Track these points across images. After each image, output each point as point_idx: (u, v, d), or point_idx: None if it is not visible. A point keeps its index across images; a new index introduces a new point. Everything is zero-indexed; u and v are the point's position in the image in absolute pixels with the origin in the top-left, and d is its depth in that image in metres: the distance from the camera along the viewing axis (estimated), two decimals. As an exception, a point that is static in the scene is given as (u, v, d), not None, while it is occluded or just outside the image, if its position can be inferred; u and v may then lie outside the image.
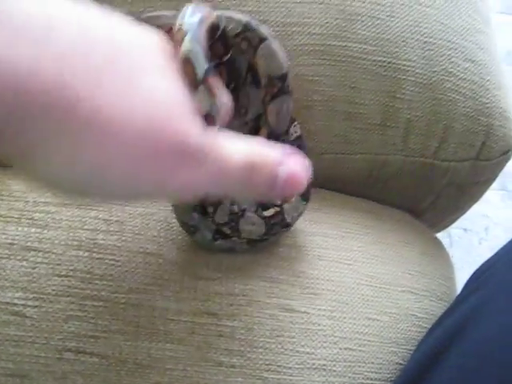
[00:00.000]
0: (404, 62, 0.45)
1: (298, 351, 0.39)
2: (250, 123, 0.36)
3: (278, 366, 0.39)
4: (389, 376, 0.41)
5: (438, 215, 0.54)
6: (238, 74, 0.35)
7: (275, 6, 0.43)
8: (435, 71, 0.45)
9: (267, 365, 0.38)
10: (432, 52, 0.45)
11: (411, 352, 0.42)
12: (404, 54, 0.45)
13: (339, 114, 0.45)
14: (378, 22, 0.45)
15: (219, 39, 0.31)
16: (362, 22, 0.44)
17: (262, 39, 0.33)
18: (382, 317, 0.42)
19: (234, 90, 0.33)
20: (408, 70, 0.45)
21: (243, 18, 0.33)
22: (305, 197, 0.40)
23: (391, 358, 0.42)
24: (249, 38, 0.33)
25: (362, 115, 0.46)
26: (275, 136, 0.35)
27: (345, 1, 0.44)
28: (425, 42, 0.45)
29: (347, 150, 0.47)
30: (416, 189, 0.50)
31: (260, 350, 0.39)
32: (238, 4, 0.43)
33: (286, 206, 0.39)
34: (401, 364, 0.42)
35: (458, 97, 0.46)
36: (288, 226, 0.39)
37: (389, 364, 0.42)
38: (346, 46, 0.44)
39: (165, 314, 0.38)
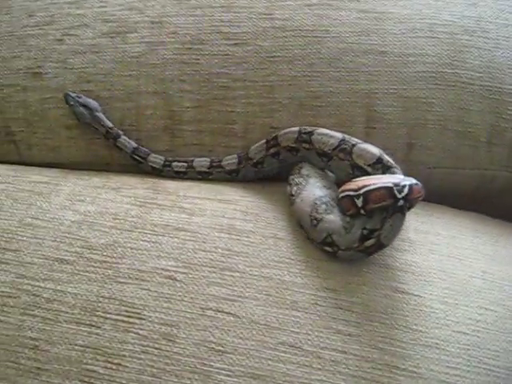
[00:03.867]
0: (509, 87, 0.50)
1: (411, 328, 0.42)
2: None
3: (392, 339, 0.42)
4: (508, 365, 0.42)
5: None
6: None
7: (395, 39, 0.51)
8: (540, 94, 0.50)
9: (382, 337, 0.42)
10: (536, 78, 0.50)
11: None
12: (509, 79, 0.50)
13: (450, 132, 0.51)
14: (485, 52, 0.51)
15: None
16: (471, 52, 0.51)
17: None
18: (497, 307, 0.44)
19: None
20: (513, 93, 0.50)
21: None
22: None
23: (510, 348, 0.43)
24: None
25: (471, 133, 0.51)
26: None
27: (455, 34, 0.51)
28: (529, 69, 0.51)
29: (457, 164, 0.51)
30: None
31: (375, 324, 0.42)
32: (363, 41, 0.51)
33: (384, 228, 0.42)
34: (520, 354, 0.43)
35: (562, 117, 0.50)
36: (384, 246, 0.43)
37: (507, 353, 0.42)
38: (456, 72, 0.51)
39: (292, 287, 0.44)
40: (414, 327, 0.43)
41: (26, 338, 0.41)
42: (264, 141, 0.49)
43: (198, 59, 0.52)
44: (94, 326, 0.42)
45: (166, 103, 0.53)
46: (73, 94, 0.52)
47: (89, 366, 0.40)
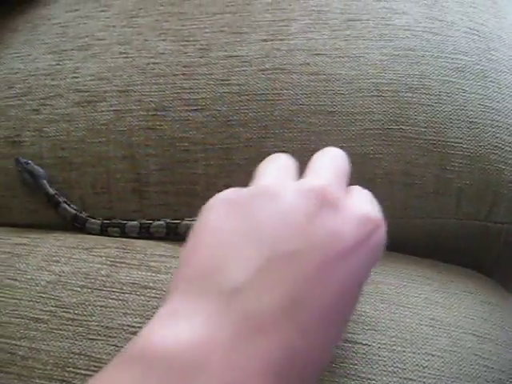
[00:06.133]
0: (452, 140, 0.54)
1: (359, 376, 0.45)
2: None
3: (342, 387, 0.45)
4: None
5: (508, 273, 0.58)
6: None
7: (343, 99, 0.55)
8: (481, 145, 0.54)
9: (331, 386, 0.45)
10: (478, 130, 0.54)
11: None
12: (452, 132, 0.54)
13: (398, 185, 0.54)
14: (428, 108, 0.54)
15: None
16: (414, 108, 0.55)
17: None
18: (443, 353, 0.46)
19: None
20: (456, 146, 0.54)
21: None
22: None
23: None
24: None
25: (418, 185, 0.54)
26: None
27: (399, 92, 0.55)
28: (470, 122, 0.54)
29: (407, 215, 0.55)
30: (476, 249, 0.56)
31: (326, 373, 0.45)
32: (313, 102, 0.55)
33: None
34: (467, 400, 0.45)
35: (504, 167, 0.53)
36: None
37: None
38: (401, 128, 0.54)
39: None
40: (363, 375, 0.45)
41: (0, 396, 0.45)
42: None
43: (162, 125, 0.57)
44: (65, 381, 0.45)
45: (133, 167, 0.57)
46: (22, 160, 0.57)
47: (58, 422, 0.43)
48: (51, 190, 0.57)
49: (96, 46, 0.64)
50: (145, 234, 0.56)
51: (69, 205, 0.57)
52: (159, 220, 0.56)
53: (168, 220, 0.55)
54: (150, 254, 0.53)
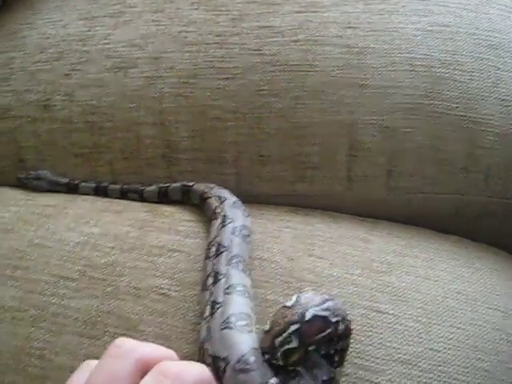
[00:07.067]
0: (483, 117, 0.54)
1: (384, 345, 0.46)
2: None
3: (367, 355, 0.45)
4: (478, 381, 0.44)
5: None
6: None
7: (375, 73, 0.55)
8: (512, 124, 0.53)
9: (357, 353, 0.45)
10: (509, 108, 0.54)
11: (503, 363, 0.46)
12: (483, 109, 0.54)
13: (428, 160, 0.54)
14: (460, 84, 0.54)
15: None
16: (447, 84, 0.54)
17: None
18: (468, 327, 0.47)
19: None
20: (487, 123, 0.54)
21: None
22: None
23: (479, 365, 0.45)
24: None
25: (448, 161, 0.54)
26: None
27: (432, 67, 0.55)
28: (502, 100, 0.54)
29: (435, 190, 0.55)
30: (502, 227, 0.56)
31: (351, 340, 0.46)
32: (345, 74, 0.55)
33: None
34: (490, 372, 0.45)
35: (534, 145, 0.53)
36: None
37: (476, 370, 0.45)
38: (433, 103, 0.54)
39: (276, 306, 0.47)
40: (388, 344, 0.46)
41: (32, 348, 0.45)
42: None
43: (193, 92, 0.57)
44: (94, 338, 0.46)
45: (163, 133, 0.57)
46: (23, 175, 0.59)
47: (89, 375, 0.44)
48: (63, 180, 0.59)
49: (128, 13, 0.64)
50: (163, 198, 0.56)
51: (85, 181, 0.58)
52: (175, 182, 0.56)
53: (184, 182, 0.56)
54: (179, 219, 0.54)
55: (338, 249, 0.51)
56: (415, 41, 0.56)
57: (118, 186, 0.58)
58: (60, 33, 0.64)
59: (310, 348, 0.35)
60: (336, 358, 0.37)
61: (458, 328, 0.47)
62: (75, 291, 0.48)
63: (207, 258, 0.47)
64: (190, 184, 0.55)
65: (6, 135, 0.61)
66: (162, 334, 0.46)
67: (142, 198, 0.57)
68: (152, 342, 0.45)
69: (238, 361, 0.35)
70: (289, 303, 0.36)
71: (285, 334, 0.34)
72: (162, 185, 0.56)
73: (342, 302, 0.39)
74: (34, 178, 0.58)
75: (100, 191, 0.58)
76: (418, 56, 0.55)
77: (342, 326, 0.37)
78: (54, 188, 0.58)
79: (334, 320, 0.36)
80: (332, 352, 0.37)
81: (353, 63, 0.55)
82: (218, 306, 0.41)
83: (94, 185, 0.58)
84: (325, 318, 0.36)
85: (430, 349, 0.46)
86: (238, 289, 0.42)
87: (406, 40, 0.56)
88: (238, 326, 0.38)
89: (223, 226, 0.48)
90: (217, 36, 0.59)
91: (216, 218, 0.50)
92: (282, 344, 0.34)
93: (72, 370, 0.43)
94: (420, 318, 0.47)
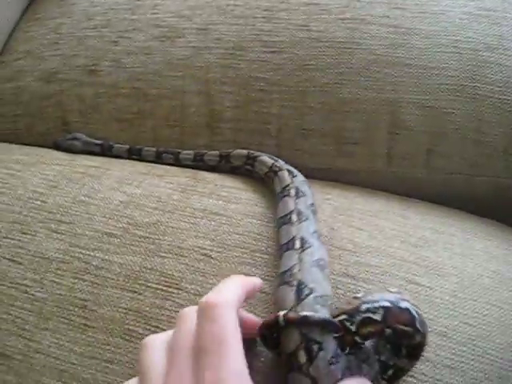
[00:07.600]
0: (526, 101, 0.54)
1: (421, 316, 0.46)
2: None
3: (404, 323, 0.46)
4: (511, 359, 0.45)
5: None
6: None
7: (420, 53, 0.56)
8: (556, 110, 0.54)
9: (395, 321, 0.46)
10: (553, 94, 0.54)
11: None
12: (526, 94, 0.54)
13: (468, 141, 0.55)
14: (505, 68, 0.55)
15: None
16: (491, 68, 0.55)
17: None
18: (503, 305, 0.47)
19: None
20: (531, 108, 0.54)
21: None
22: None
23: None
24: None
25: (488, 143, 0.55)
26: None
27: (477, 51, 0.55)
28: (546, 86, 0.55)
29: (474, 172, 0.56)
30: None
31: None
32: (390, 53, 0.56)
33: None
34: (524, 350, 0.46)
35: None
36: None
37: (510, 347, 0.45)
38: (476, 86, 0.55)
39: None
40: (424, 315, 0.46)
41: (76, 298, 0.46)
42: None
43: (239, 64, 0.58)
44: (136, 292, 0.47)
45: (208, 102, 0.58)
46: (60, 139, 0.60)
47: (130, 327, 0.45)
48: (98, 141, 0.60)
49: (176, -15, 0.65)
50: (198, 162, 0.57)
51: (119, 143, 0.60)
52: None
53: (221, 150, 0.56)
54: (220, 185, 0.54)
55: (376, 222, 0.52)
56: (461, 24, 0.57)
57: (153, 148, 0.58)
58: (108, 1, 0.65)
59: (387, 331, 0.36)
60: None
61: (494, 305, 0.48)
62: (118, 247, 0.49)
63: (288, 223, 0.47)
64: (229, 151, 0.56)
65: (52, 98, 0.62)
66: (203, 293, 0.46)
67: (177, 160, 0.58)
68: (193, 299, 0.46)
69: (322, 296, 0.38)
70: (392, 289, 0.39)
71: (375, 304, 0.36)
72: (198, 150, 0.58)
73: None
74: (71, 139, 0.59)
75: (134, 153, 0.59)
76: (463, 39, 0.56)
77: (419, 337, 0.38)
78: (88, 148, 0.59)
79: (418, 325, 0.38)
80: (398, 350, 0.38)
81: (398, 43, 0.56)
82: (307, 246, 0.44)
83: (127, 146, 0.59)
84: (414, 317, 0.38)
85: (465, 323, 0.46)
86: (320, 263, 0.43)
87: (453, 23, 0.57)
88: (326, 272, 0.42)
89: (298, 198, 0.49)
90: (264, 10, 0.60)
91: (289, 190, 0.50)
92: (367, 310, 0.36)
93: (113, 320, 0.45)
94: (456, 293, 0.48)
